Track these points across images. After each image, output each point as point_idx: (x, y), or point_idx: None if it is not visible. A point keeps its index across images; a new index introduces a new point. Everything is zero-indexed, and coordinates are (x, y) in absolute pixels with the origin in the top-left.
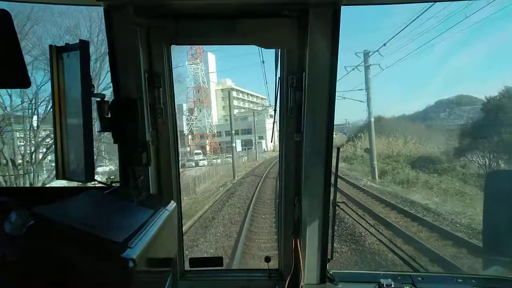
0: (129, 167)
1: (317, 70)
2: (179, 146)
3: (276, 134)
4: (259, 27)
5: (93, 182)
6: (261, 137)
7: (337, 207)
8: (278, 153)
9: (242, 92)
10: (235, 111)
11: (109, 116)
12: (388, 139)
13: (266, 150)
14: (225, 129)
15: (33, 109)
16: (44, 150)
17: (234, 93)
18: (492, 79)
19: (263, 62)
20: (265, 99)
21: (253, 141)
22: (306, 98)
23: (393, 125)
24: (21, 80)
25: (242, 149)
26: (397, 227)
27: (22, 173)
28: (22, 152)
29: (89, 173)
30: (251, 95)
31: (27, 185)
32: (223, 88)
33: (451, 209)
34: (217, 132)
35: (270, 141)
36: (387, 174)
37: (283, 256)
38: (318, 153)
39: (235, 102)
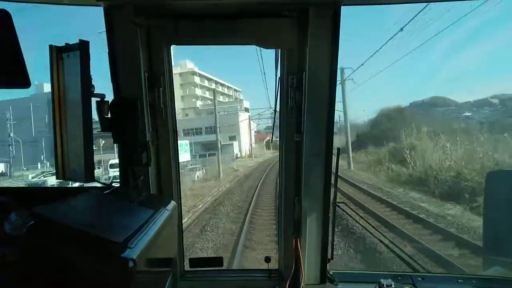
0: (129, 167)
1: (317, 70)
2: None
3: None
4: (259, 27)
5: (93, 182)
6: (232, 138)
7: (337, 207)
8: (256, 160)
9: (208, 79)
10: (199, 103)
11: (109, 116)
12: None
13: (239, 156)
14: (184, 126)
15: None
16: None
17: (197, 79)
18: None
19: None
20: (239, 91)
21: (218, 143)
22: (306, 98)
23: None
24: (21, 80)
25: (200, 156)
26: None
27: None
28: None
29: (89, 173)
30: (222, 84)
31: None
32: (182, 71)
33: None
34: None
35: (246, 142)
36: None
37: (283, 256)
38: (318, 153)
39: (199, 91)
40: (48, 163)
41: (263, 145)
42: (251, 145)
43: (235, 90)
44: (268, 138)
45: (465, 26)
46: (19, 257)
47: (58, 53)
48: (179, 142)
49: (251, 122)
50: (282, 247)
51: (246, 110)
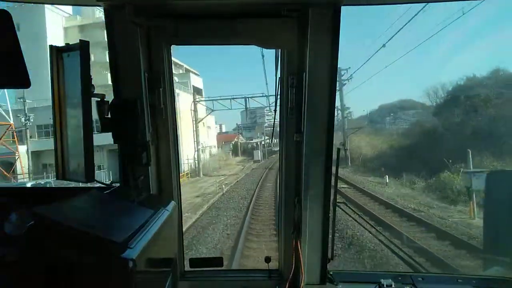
0: (129, 167)
1: (317, 70)
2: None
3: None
4: (259, 27)
5: (93, 182)
6: None
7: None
8: (199, 188)
9: None
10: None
11: (109, 116)
12: None
13: None
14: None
15: None
16: None
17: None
18: None
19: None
20: (197, 74)
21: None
22: (306, 98)
23: None
24: (21, 80)
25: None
26: None
27: None
28: None
29: (89, 173)
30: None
31: None
32: (83, 23)
33: None
34: (26, 124)
35: (190, 145)
36: None
37: (283, 257)
38: (318, 153)
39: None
40: None
41: (230, 149)
42: (199, 150)
43: (187, 70)
44: (236, 139)
45: (423, 28)
46: (19, 257)
47: (58, 53)
48: None
49: (210, 115)
50: (282, 247)
51: (197, 91)
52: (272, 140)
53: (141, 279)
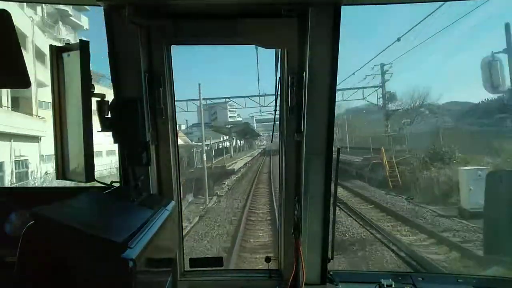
0: (129, 167)
1: (317, 70)
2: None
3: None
4: (259, 27)
5: (93, 182)
6: None
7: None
8: None
9: None
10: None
11: (109, 116)
12: None
13: None
14: None
15: None
16: None
17: None
18: None
19: None
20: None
21: None
22: (306, 98)
23: None
24: (21, 80)
25: None
26: None
27: None
28: None
29: (89, 173)
30: None
31: None
32: None
33: None
34: None
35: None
36: None
37: (283, 256)
38: (318, 153)
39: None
40: None
41: None
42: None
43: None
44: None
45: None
46: (19, 257)
47: (58, 53)
48: None
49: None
50: (282, 247)
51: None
52: (242, 142)
53: (141, 279)
